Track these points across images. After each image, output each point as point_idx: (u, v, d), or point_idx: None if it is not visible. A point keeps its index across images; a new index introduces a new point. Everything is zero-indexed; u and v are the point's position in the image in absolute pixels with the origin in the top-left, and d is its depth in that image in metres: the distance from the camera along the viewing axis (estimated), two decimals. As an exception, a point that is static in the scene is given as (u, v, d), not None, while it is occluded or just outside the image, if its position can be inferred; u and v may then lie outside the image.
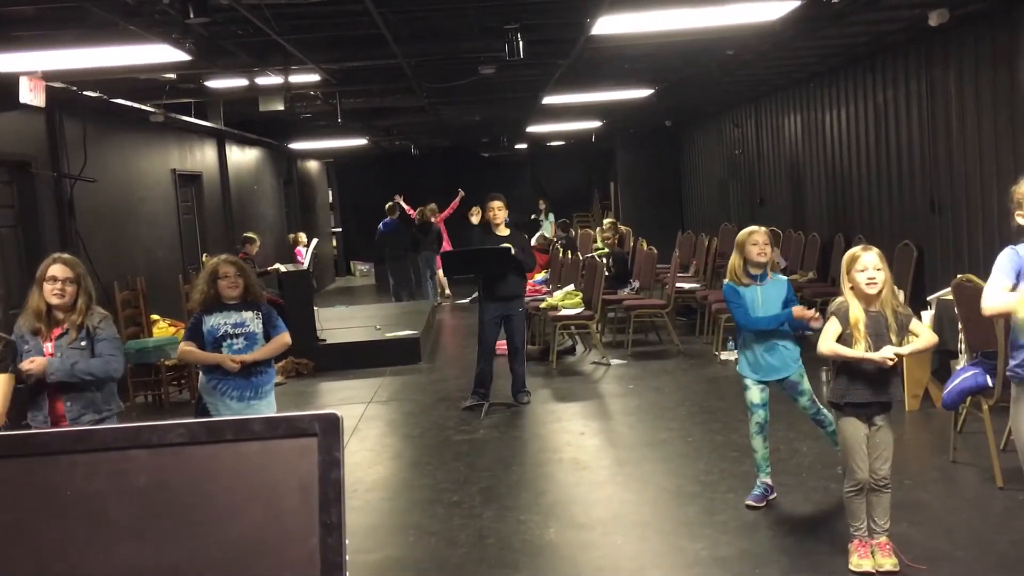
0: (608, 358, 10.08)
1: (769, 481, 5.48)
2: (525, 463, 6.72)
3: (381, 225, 16.53)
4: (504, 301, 8.09)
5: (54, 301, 4.62)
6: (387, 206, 16.65)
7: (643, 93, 12.18)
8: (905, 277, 8.93)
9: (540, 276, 13.36)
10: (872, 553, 4.42)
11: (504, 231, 8.16)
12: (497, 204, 8.14)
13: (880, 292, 4.35)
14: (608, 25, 6.80)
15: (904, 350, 4.34)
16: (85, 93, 8.56)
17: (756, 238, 5.32)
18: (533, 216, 21.24)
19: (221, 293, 5.26)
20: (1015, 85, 7.71)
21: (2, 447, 1.17)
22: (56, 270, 4.65)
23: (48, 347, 4.64)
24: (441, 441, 7.41)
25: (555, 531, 5.29)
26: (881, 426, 4.42)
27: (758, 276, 5.33)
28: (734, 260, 5.39)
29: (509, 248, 7.94)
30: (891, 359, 4.27)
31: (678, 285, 11.21)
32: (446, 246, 15.75)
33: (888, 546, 4.42)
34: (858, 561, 4.40)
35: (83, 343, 4.65)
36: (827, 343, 4.38)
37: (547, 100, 12.35)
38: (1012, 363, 3.97)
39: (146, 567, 1.16)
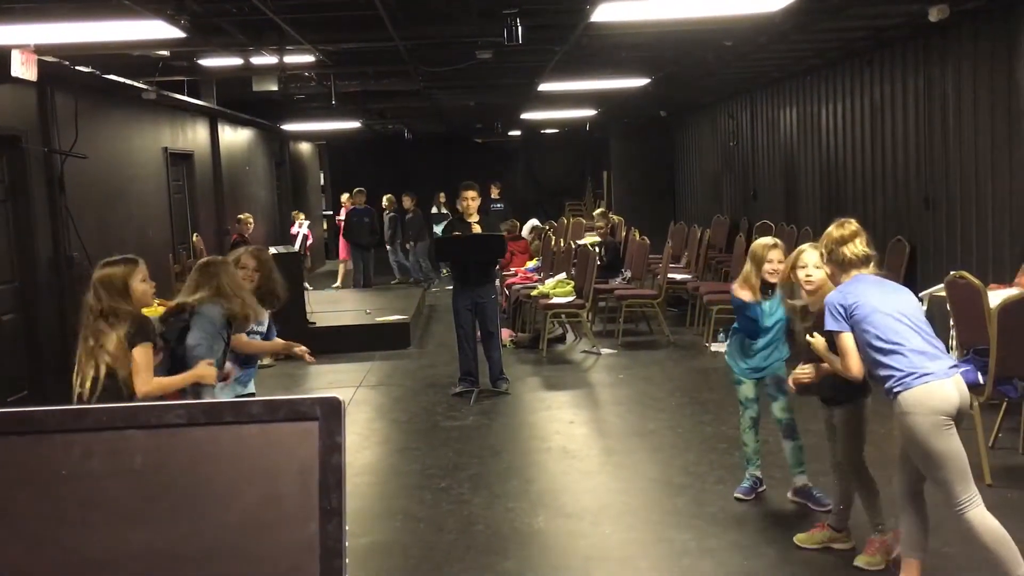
0: (598, 347, 10.07)
1: (759, 474, 5.48)
2: (514, 451, 6.71)
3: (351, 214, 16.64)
4: (474, 289, 8.17)
5: (248, 287, 4.75)
6: (354, 192, 16.87)
7: (639, 82, 12.13)
8: (897, 272, 8.93)
9: (532, 264, 13.33)
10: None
11: (475, 218, 8.27)
12: (471, 194, 8.26)
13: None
14: (608, 12, 6.75)
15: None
16: (77, 68, 8.46)
17: (772, 255, 5.03)
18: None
19: None
20: (1012, 84, 7.70)
21: (-5, 424, 1.14)
22: (248, 259, 4.88)
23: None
24: (430, 427, 7.39)
25: (543, 519, 5.28)
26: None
27: (768, 289, 5.12)
28: (750, 273, 5.09)
29: (503, 236, 8.30)
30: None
31: (670, 276, 11.21)
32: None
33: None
34: None
35: None
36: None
37: (543, 87, 12.28)
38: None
39: (142, 549, 1.13)
